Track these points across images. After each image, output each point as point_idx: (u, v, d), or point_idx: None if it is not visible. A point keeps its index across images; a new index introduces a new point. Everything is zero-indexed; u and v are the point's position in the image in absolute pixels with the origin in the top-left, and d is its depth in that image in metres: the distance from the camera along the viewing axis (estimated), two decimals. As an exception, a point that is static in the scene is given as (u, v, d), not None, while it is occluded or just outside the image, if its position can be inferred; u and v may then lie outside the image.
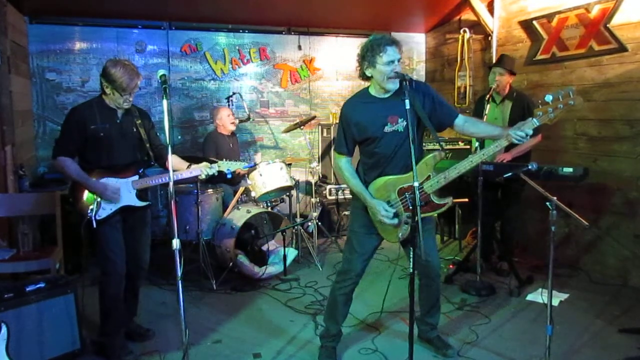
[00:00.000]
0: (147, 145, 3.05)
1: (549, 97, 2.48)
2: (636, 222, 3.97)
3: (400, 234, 2.71)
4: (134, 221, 3.06)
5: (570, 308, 3.65)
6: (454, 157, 2.67)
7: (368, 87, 2.78)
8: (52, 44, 5.24)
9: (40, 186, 4.59)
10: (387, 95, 2.71)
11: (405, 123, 2.64)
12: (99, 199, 2.86)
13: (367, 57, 2.61)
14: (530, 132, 2.52)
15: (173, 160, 3.08)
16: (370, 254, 2.90)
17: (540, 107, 2.51)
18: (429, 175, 2.66)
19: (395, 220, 2.68)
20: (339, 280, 2.93)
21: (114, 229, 2.94)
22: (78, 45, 5.34)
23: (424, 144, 4.36)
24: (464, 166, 2.63)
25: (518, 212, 4.36)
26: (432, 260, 2.83)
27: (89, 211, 2.83)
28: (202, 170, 3.02)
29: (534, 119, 2.52)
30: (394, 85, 2.63)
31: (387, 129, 2.68)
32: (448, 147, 4.61)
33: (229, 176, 3.05)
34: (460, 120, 2.79)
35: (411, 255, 2.43)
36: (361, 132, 2.73)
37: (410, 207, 2.61)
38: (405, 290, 3.64)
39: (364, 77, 2.73)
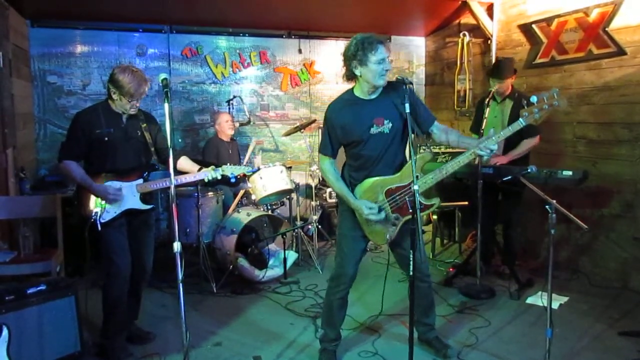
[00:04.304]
0: (152, 149, 3.07)
1: (534, 99, 2.55)
2: (636, 225, 3.97)
3: (387, 236, 2.72)
4: (138, 224, 3.07)
5: (570, 311, 3.65)
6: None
7: (352, 88, 2.76)
8: (53, 47, 5.27)
9: (41, 189, 4.61)
10: (372, 97, 2.71)
11: (390, 124, 2.67)
12: (103, 202, 2.88)
13: (357, 55, 2.57)
14: (495, 147, 2.59)
15: (185, 163, 3.12)
16: (360, 256, 2.90)
17: (526, 107, 2.58)
18: (417, 176, 2.68)
19: (383, 215, 2.69)
20: (333, 286, 2.93)
21: (118, 231, 2.95)
22: (79, 49, 5.37)
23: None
24: (451, 167, 2.68)
25: (519, 215, 4.37)
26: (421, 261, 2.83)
27: (93, 214, 2.85)
28: (207, 173, 3.03)
29: (520, 119, 2.58)
30: (384, 82, 2.64)
31: (373, 130, 2.68)
32: (447, 150, 4.61)
33: (232, 180, 3.07)
34: (435, 127, 2.82)
35: (406, 259, 2.44)
36: (347, 135, 2.72)
37: (410, 209, 2.63)
38: (404, 292, 3.67)
39: (350, 77, 2.69)
